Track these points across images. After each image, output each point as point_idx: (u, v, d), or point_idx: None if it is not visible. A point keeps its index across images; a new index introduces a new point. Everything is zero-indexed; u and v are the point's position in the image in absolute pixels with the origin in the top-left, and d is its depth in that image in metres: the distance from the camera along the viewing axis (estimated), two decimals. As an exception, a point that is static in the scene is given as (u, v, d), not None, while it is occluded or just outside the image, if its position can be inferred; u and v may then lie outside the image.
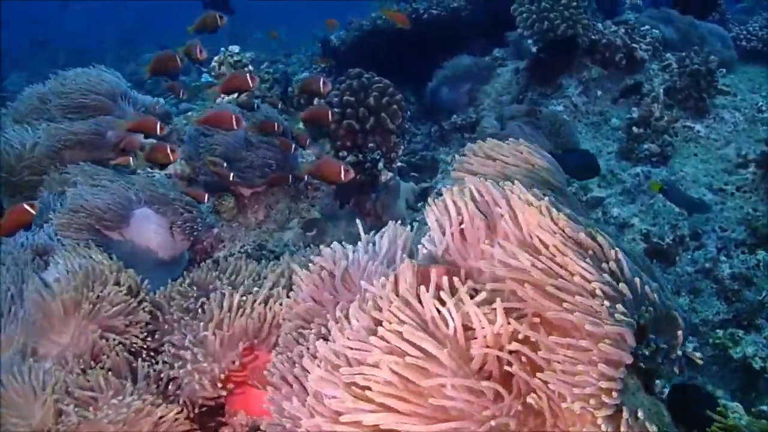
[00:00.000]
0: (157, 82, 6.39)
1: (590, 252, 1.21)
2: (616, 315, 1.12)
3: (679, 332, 1.29)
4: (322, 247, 1.82)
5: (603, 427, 1.09)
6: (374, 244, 1.69)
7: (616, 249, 1.24)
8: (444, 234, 1.40)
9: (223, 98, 3.77)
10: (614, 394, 1.09)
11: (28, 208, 2.80)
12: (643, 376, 1.20)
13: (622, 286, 1.17)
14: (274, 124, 3.50)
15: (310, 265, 1.80)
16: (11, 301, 2.19)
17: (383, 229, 1.72)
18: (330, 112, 3.67)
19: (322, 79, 3.63)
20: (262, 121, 3.51)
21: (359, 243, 1.73)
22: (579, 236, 1.23)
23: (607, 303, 1.13)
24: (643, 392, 1.16)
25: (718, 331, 3.60)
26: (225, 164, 3.40)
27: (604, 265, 1.20)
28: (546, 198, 1.31)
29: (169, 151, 3.24)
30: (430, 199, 1.50)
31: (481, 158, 1.58)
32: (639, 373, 1.20)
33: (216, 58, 4.40)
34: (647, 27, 5.79)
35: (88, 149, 3.53)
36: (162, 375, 2.08)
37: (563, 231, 1.24)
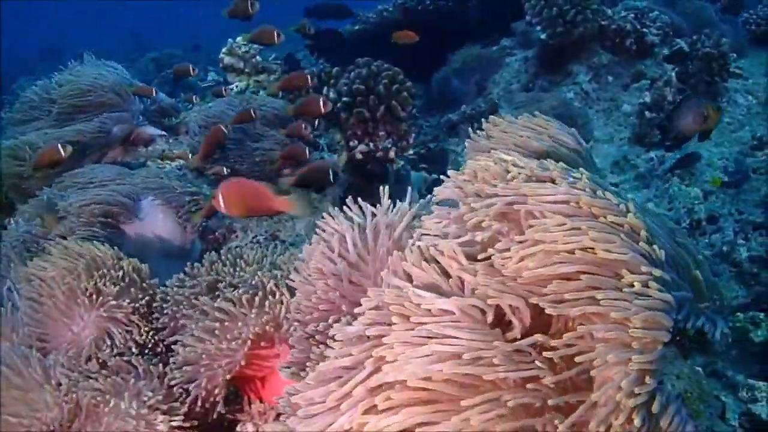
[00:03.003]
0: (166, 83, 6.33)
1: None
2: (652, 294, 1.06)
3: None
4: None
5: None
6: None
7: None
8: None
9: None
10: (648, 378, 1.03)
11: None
12: (680, 344, 1.15)
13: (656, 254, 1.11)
14: (301, 126, 3.50)
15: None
16: (8, 293, 2.14)
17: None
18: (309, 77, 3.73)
19: (321, 99, 3.47)
20: (290, 127, 3.52)
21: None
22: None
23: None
24: (681, 360, 1.11)
25: (738, 314, 3.52)
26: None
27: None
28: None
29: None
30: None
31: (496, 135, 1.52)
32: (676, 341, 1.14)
33: (224, 49, 4.34)
34: (656, 12, 5.70)
35: (96, 148, 3.49)
36: (169, 369, 2.01)
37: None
